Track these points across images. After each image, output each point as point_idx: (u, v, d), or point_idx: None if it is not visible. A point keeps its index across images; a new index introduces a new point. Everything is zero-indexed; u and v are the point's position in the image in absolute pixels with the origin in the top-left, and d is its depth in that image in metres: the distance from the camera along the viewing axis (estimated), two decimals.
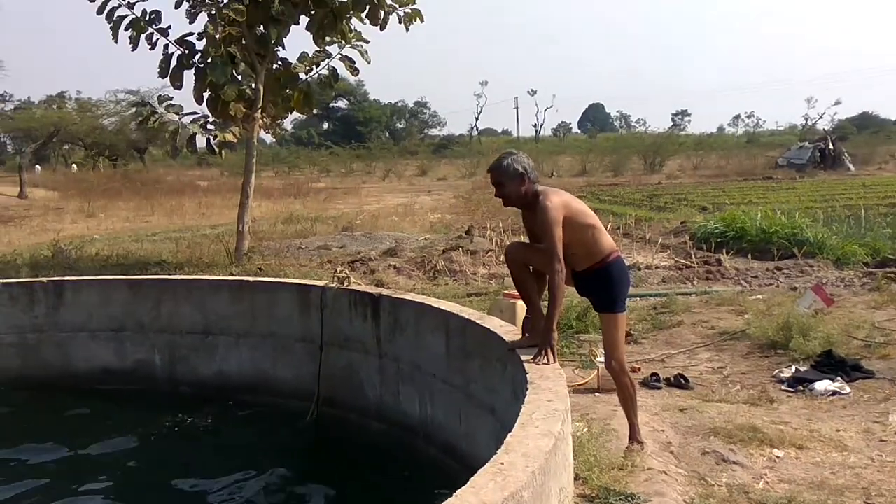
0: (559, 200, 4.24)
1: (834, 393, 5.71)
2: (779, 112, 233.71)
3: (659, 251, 12.12)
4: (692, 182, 33.40)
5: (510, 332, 4.51)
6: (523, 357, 3.95)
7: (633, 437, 4.53)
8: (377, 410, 5.90)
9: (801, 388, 5.89)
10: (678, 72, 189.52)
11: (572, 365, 6.51)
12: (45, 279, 7.22)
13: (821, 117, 74.63)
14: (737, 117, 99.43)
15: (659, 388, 6.03)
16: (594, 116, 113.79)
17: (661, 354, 7.00)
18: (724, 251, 11.43)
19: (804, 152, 39.32)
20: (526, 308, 4.57)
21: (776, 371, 6.30)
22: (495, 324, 4.71)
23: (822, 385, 5.81)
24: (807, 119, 77.11)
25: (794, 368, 6.25)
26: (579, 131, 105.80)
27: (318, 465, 5.62)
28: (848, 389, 5.77)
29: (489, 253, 11.98)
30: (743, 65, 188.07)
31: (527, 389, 3.51)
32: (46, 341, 6.88)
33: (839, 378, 5.92)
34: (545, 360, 3.92)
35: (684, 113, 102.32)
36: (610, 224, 14.81)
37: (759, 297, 8.80)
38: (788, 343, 6.70)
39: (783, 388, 5.97)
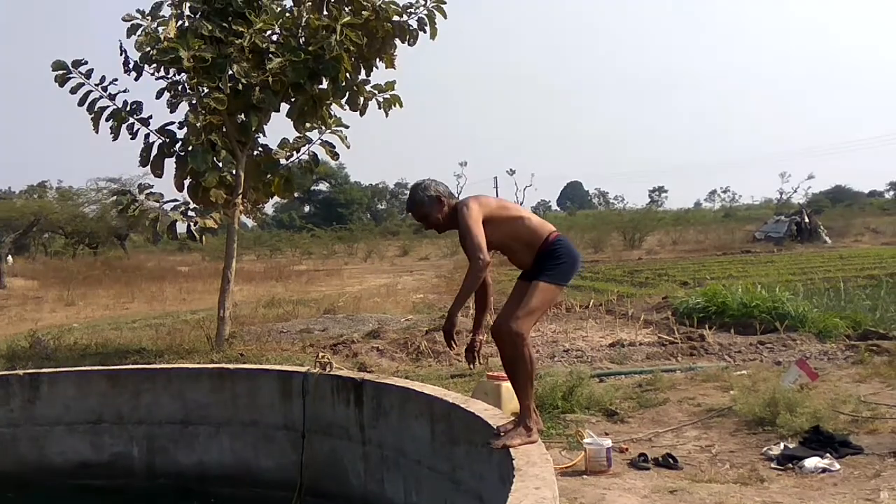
0: (475, 203, 4.20)
1: (824, 470, 5.64)
2: (754, 187, 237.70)
3: (642, 327, 12.12)
4: (672, 257, 33.69)
5: (496, 415, 4.46)
6: (508, 442, 3.90)
7: (522, 421, 4.15)
8: (362, 499, 5.78)
9: (790, 465, 5.82)
10: (654, 148, 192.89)
11: (559, 446, 6.42)
12: (20, 372, 7.10)
13: (795, 191, 76.23)
14: (713, 192, 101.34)
15: (647, 468, 5.94)
16: (573, 194, 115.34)
17: (648, 433, 6.92)
18: (707, 326, 11.42)
19: (781, 226, 39.89)
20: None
21: (765, 448, 6.23)
22: (480, 407, 4.66)
23: (812, 462, 5.74)
24: (781, 193, 78.70)
25: (782, 445, 6.18)
26: (559, 209, 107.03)
27: None
28: (837, 466, 5.70)
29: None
30: (717, 141, 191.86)
31: (513, 476, 3.45)
32: (21, 435, 6.73)
33: (828, 454, 5.86)
34: (516, 441, 3.89)
35: (661, 189, 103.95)
36: (592, 301, 14.87)
37: (744, 372, 8.76)
38: (775, 419, 6.65)
39: (772, 465, 5.89)
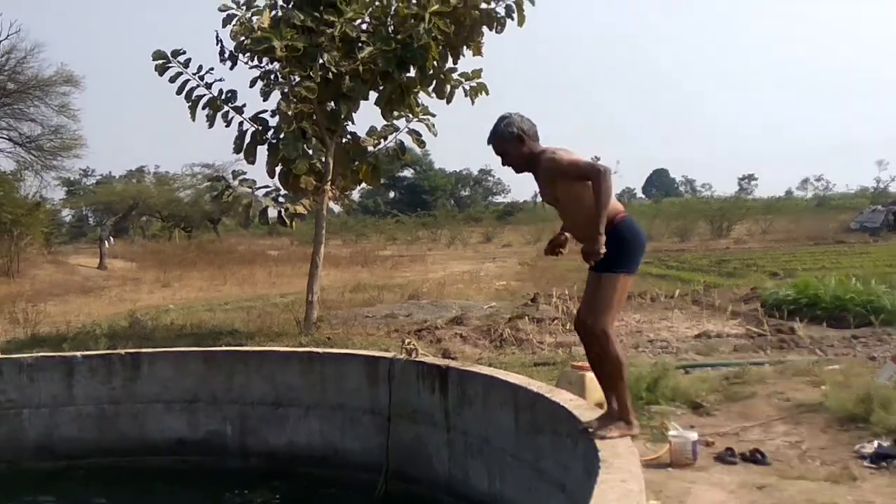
0: (566, 153, 4.15)
1: None
2: (849, 175, 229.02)
3: (729, 318, 11.89)
4: (761, 247, 32.79)
5: (580, 406, 4.49)
6: (608, 433, 3.93)
7: (623, 416, 4.12)
8: (446, 484, 5.87)
9: (884, 464, 5.66)
10: (744, 135, 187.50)
11: (644, 438, 6.38)
12: (122, 351, 7.43)
13: (893, 180, 73.00)
14: (805, 181, 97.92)
15: (734, 463, 5.86)
16: (659, 181, 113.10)
17: (734, 428, 6.81)
18: (798, 319, 11.14)
19: (877, 215, 38.40)
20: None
21: (857, 446, 6.07)
22: (565, 398, 4.69)
23: None
24: (878, 182, 75.49)
25: (876, 443, 6.01)
26: (644, 196, 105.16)
27: None
28: None
29: (555, 321, 11.90)
30: (810, 128, 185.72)
31: (599, 468, 3.47)
32: (123, 412, 7.05)
33: None
34: (615, 433, 3.87)
35: (751, 177, 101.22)
36: (678, 291, 14.64)
37: (836, 367, 8.53)
38: (869, 416, 6.45)
39: (865, 464, 5.74)
